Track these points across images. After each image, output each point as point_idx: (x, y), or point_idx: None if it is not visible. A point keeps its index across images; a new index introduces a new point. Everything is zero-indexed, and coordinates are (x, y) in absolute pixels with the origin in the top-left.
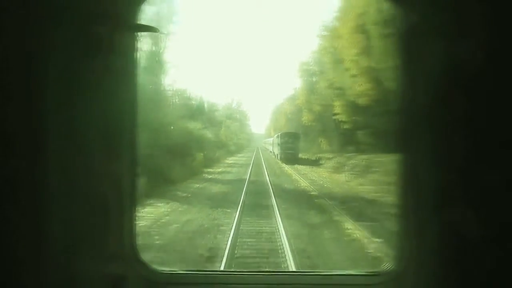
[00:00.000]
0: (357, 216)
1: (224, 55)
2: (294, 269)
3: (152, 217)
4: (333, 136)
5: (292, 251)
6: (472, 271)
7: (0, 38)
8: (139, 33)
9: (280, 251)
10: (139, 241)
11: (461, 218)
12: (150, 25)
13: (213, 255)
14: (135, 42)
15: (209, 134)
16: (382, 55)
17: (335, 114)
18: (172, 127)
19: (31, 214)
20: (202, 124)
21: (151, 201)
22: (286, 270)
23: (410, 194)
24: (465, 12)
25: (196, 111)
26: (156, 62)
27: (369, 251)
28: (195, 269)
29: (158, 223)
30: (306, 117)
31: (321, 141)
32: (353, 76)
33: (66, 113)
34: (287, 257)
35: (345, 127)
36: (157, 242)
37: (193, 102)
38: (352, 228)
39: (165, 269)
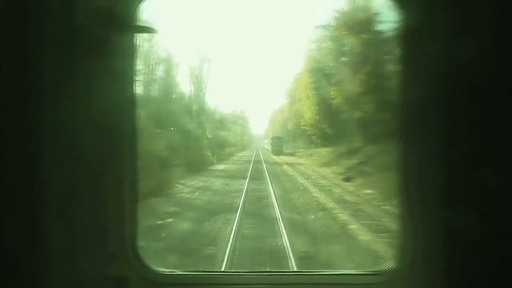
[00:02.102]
0: (290, 166)
1: (228, 67)
2: (294, 269)
3: (224, 167)
4: (304, 138)
5: (267, 170)
6: (472, 270)
7: None
8: (137, 34)
9: (263, 169)
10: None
11: (462, 217)
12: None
13: (247, 170)
14: (134, 43)
15: (228, 137)
16: (315, 102)
17: (302, 126)
18: (216, 133)
19: (32, 216)
20: (224, 131)
21: (220, 164)
22: (286, 270)
23: (410, 193)
24: (467, 11)
25: (219, 122)
26: (203, 101)
27: (286, 170)
28: (196, 269)
29: (226, 168)
30: (290, 125)
31: (300, 141)
32: (305, 108)
33: (65, 114)
34: (265, 171)
35: (308, 133)
36: (229, 170)
37: (216, 117)
38: (286, 167)
39: (166, 269)
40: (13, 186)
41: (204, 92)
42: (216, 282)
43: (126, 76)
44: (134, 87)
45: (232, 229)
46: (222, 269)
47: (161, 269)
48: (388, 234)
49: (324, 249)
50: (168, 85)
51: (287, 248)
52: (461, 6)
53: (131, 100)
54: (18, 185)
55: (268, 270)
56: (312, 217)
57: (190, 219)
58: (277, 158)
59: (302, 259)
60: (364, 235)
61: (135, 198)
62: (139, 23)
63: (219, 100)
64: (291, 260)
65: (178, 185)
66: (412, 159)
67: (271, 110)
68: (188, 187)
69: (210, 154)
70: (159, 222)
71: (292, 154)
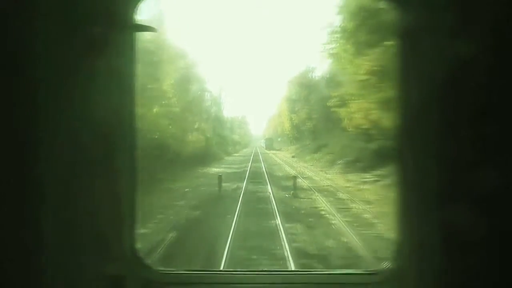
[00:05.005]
0: (273, 154)
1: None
2: (294, 269)
3: (238, 154)
4: (286, 139)
5: (260, 155)
6: (471, 270)
7: None
8: (136, 33)
9: (259, 155)
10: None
11: (461, 217)
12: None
13: (250, 155)
14: (133, 41)
15: (235, 138)
16: (289, 118)
17: (285, 131)
18: (229, 135)
19: (30, 215)
20: (232, 134)
21: (235, 153)
22: (286, 270)
23: (409, 192)
24: (466, 11)
25: (230, 128)
26: (222, 115)
27: (270, 155)
28: (195, 269)
29: (240, 154)
30: (279, 130)
31: (285, 141)
32: (285, 120)
33: (64, 113)
34: (260, 155)
35: (288, 136)
36: (241, 155)
37: (228, 124)
38: (271, 154)
39: (165, 269)
40: (10, 186)
41: (222, 109)
42: (215, 281)
43: (125, 75)
44: (133, 86)
45: (249, 161)
46: (221, 268)
47: (159, 268)
48: (291, 167)
49: (272, 165)
50: (204, 107)
51: (263, 165)
52: (460, 5)
53: (131, 98)
54: (15, 184)
55: (268, 270)
56: (272, 162)
57: (235, 163)
58: (267, 151)
59: (266, 164)
60: (285, 166)
61: (134, 197)
62: (138, 22)
63: (227, 108)
64: (264, 165)
65: (223, 158)
66: (410, 159)
67: (269, 112)
68: (228, 159)
69: (230, 148)
70: (227, 165)
71: (278, 150)
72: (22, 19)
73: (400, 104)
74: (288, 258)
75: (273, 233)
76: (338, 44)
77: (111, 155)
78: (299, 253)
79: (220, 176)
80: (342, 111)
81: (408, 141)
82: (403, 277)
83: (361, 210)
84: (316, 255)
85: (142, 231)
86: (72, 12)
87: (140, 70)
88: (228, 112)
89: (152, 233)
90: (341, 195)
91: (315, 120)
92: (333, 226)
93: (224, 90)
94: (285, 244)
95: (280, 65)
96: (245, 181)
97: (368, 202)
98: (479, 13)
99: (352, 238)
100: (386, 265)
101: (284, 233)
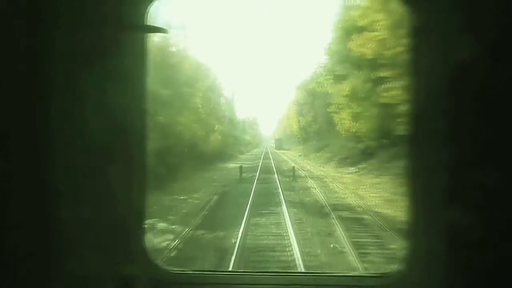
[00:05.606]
0: (282, 153)
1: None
2: (301, 270)
3: (251, 153)
4: (295, 140)
5: (270, 153)
6: (479, 273)
7: (5, 40)
8: (147, 34)
9: (269, 153)
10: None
11: (470, 219)
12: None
13: (261, 154)
14: (144, 43)
15: (247, 138)
16: (297, 121)
17: (293, 132)
18: (241, 136)
19: (39, 215)
20: (245, 134)
21: (248, 152)
22: (294, 271)
23: (418, 195)
24: (475, 11)
25: (242, 129)
26: (235, 117)
27: (279, 154)
28: (204, 269)
29: (252, 153)
30: (288, 131)
31: (294, 141)
32: (293, 123)
33: (75, 113)
34: (271, 155)
35: (296, 137)
36: (254, 154)
37: (240, 125)
38: (280, 153)
39: (174, 269)
40: (23, 184)
41: (235, 111)
42: (223, 282)
43: (136, 75)
44: (144, 88)
45: (261, 159)
46: (229, 269)
47: (168, 268)
48: (296, 163)
49: (280, 162)
50: (221, 111)
51: (273, 162)
52: (470, 5)
53: (142, 99)
54: (27, 182)
55: (276, 271)
56: (280, 160)
57: (248, 160)
58: (277, 151)
59: (275, 161)
60: (291, 162)
61: (143, 196)
62: (149, 23)
63: (239, 109)
64: (273, 162)
65: (238, 156)
66: (420, 162)
67: (279, 113)
68: (242, 157)
69: (243, 148)
70: (242, 161)
71: (287, 149)
72: (34, 22)
73: (409, 104)
74: (283, 203)
75: (276, 195)
76: (321, 76)
77: (123, 155)
78: (289, 202)
79: (241, 166)
80: (336, 117)
81: (417, 142)
82: (412, 280)
83: (335, 187)
84: (298, 203)
85: (195, 195)
86: (82, 14)
87: (184, 90)
88: (240, 113)
89: (202, 196)
90: (326, 180)
91: (320, 123)
92: (313, 193)
93: (236, 93)
94: (282, 198)
95: (290, 70)
96: (258, 172)
97: (343, 183)
98: (489, 13)
99: (320, 197)
100: (395, 268)
101: (283, 195)
